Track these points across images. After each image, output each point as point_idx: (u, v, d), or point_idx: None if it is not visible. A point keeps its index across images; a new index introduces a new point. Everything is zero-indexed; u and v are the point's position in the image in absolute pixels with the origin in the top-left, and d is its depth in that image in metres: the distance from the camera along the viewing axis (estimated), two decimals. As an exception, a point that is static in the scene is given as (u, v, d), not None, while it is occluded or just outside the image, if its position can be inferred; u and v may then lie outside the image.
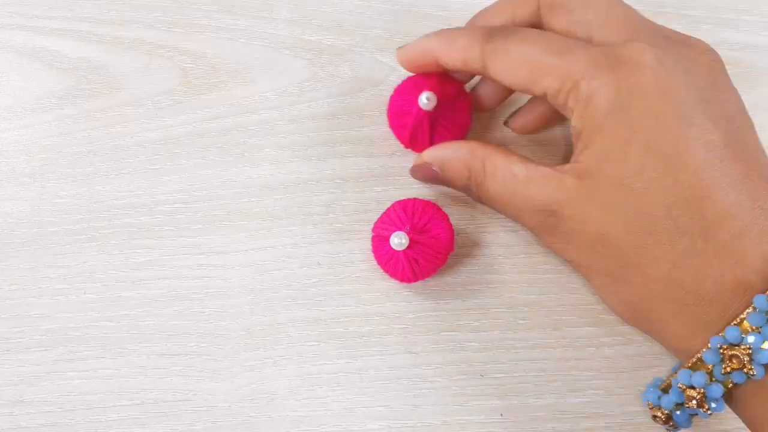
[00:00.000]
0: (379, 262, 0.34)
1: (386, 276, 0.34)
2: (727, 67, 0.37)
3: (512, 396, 0.33)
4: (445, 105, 0.34)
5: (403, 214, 0.33)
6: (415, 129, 0.34)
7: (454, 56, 0.30)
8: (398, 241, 0.32)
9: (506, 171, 0.30)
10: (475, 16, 0.32)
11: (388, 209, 0.34)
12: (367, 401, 0.33)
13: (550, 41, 0.29)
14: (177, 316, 0.34)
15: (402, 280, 0.33)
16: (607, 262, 0.28)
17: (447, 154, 0.32)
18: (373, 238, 0.34)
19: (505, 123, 0.35)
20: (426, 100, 0.33)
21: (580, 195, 0.28)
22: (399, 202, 0.34)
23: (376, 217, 0.34)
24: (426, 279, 0.34)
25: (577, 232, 0.28)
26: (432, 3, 0.38)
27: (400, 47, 0.32)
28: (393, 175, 0.35)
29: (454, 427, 0.33)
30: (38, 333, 0.34)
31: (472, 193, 0.31)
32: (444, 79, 0.34)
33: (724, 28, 0.37)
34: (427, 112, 0.34)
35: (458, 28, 0.31)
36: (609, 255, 0.28)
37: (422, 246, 0.32)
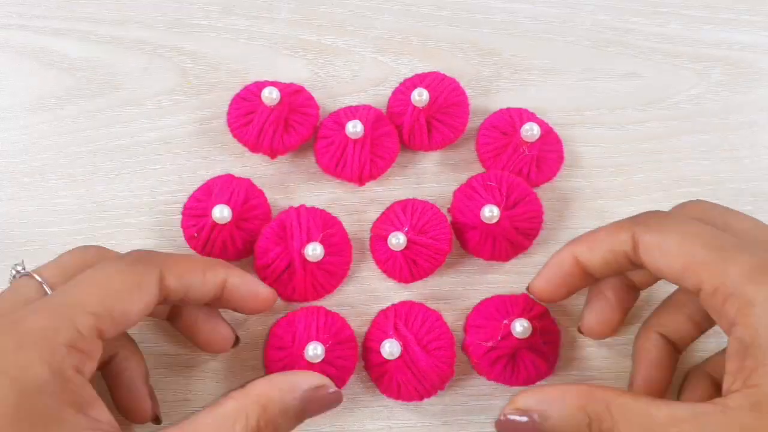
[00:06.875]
0: (378, 262, 0.34)
1: (385, 276, 0.34)
2: (727, 67, 0.37)
3: (512, 396, 0.33)
4: (442, 105, 0.34)
5: (402, 214, 0.33)
6: (412, 128, 0.34)
7: (598, 245, 0.28)
8: (396, 241, 0.32)
9: (642, 413, 0.24)
10: (572, 242, 0.29)
11: (388, 209, 0.34)
12: (367, 401, 0.33)
13: (713, 235, 0.26)
14: (177, 316, 0.34)
15: (400, 280, 0.33)
16: None
17: (552, 397, 0.26)
18: (372, 238, 0.34)
19: (580, 330, 0.32)
20: (418, 96, 0.33)
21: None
22: (398, 202, 0.34)
23: (375, 217, 0.34)
24: (425, 279, 0.34)
25: None
26: (432, 3, 0.38)
27: (531, 284, 0.30)
28: (393, 175, 0.35)
29: (454, 427, 0.33)
30: (38, 333, 0.34)
31: None
32: (441, 80, 0.35)
33: (724, 28, 0.37)
34: (421, 110, 0.34)
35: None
36: None
37: (420, 246, 0.32)
